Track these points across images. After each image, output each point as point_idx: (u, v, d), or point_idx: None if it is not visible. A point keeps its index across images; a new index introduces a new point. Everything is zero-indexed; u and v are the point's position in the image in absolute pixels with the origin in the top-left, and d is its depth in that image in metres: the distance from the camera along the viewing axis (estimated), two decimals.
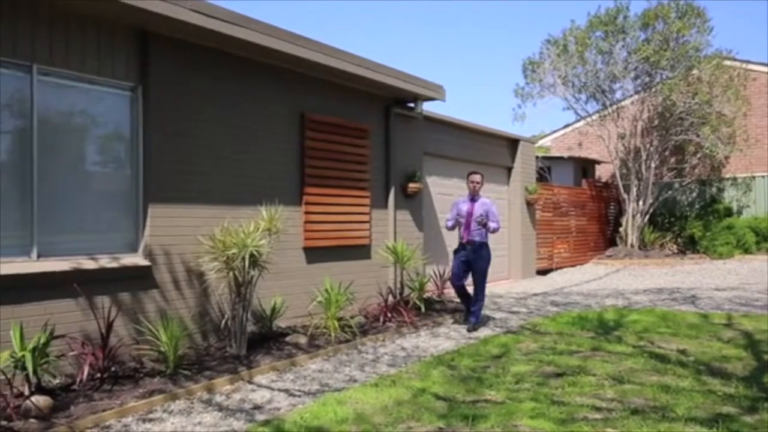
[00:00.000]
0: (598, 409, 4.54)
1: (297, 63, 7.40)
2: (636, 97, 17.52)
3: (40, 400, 4.38)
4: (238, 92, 6.94)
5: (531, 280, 13.88)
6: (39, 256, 5.19)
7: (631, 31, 16.75)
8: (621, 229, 18.20)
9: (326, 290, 7.18)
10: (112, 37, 5.75)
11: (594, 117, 18.22)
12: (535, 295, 11.35)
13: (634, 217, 17.72)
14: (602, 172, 20.61)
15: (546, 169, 17.60)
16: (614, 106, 17.63)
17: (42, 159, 5.25)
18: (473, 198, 7.84)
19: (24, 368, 4.47)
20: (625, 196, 17.82)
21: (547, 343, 6.92)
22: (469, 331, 7.67)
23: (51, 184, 5.35)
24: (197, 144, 6.44)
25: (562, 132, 22.25)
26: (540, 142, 21.49)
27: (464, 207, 7.80)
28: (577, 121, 20.01)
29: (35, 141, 5.19)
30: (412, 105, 9.64)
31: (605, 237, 18.69)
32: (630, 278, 13.93)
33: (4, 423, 4.16)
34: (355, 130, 8.59)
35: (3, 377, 4.48)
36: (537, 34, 46.93)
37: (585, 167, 19.62)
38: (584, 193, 17.76)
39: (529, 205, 14.12)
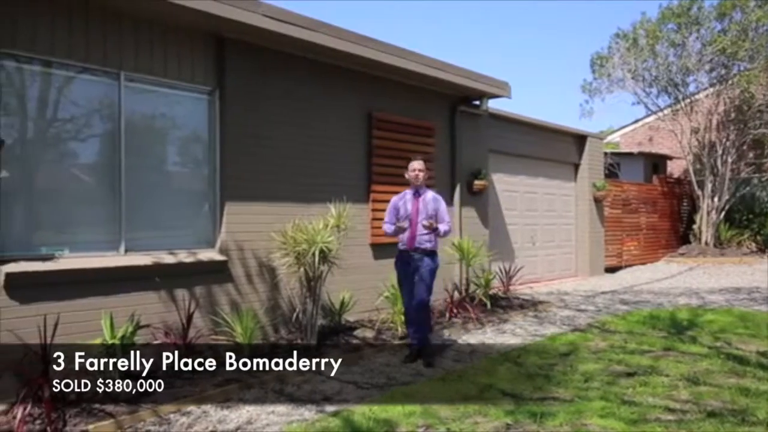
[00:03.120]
0: (671, 411, 4.44)
1: (365, 64, 7.55)
2: (711, 90, 16.84)
3: (128, 385, 4.66)
4: (308, 94, 7.15)
5: (599, 277, 13.59)
6: (126, 250, 5.54)
7: (705, 22, 16.11)
8: (695, 227, 17.57)
9: (393, 286, 7.28)
10: (191, 44, 6.05)
11: (666, 111, 17.64)
12: (604, 293, 11.12)
13: (708, 213, 17.06)
14: (674, 168, 19.90)
15: (615, 165, 17.16)
16: (687, 100, 17.00)
17: (128, 160, 5.60)
18: (417, 192, 6.15)
19: (114, 355, 4.79)
20: (699, 192, 17.18)
21: (616, 341, 6.80)
22: (425, 366, 5.85)
23: (136, 184, 5.70)
24: (269, 144, 6.68)
25: (631, 127, 21.60)
26: (608, 138, 20.96)
27: (407, 205, 6.07)
28: (648, 115, 19.42)
29: (122, 143, 5.54)
30: (477, 103, 9.64)
31: (677, 234, 18.06)
32: (704, 277, 13.41)
33: (97, 405, 4.47)
34: (421, 128, 8.68)
35: (96, 363, 4.81)
36: (605, 29, 45.65)
37: (656, 163, 18.99)
38: (655, 189, 17.23)
39: (597, 201, 13.84)
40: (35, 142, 5.12)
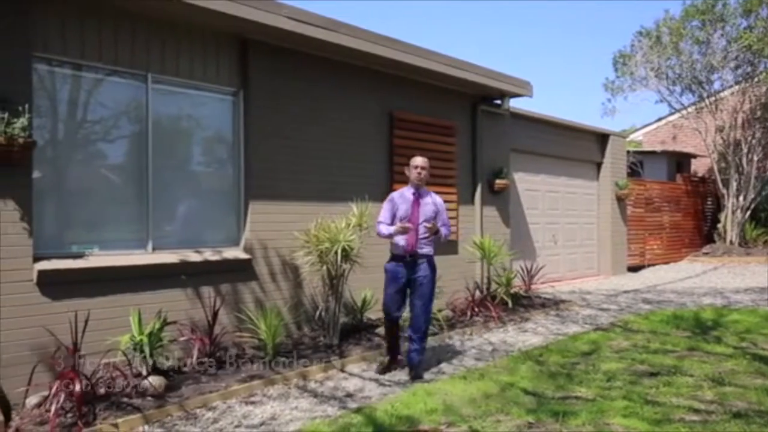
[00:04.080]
0: (696, 411, 4.41)
1: (386, 64, 7.60)
2: (736, 87, 16.60)
3: (156, 380, 4.79)
4: (330, 94, 7.21)
5: (621, 276, 13.50)
6: (154, 249, 5.66)
7: (731, 19, 15.87)
8: (719, 226, 17.34)
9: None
10: (215, 46, 6.15)
11: (689, 109, 17.43)
12: (626, 292, 11.05)
13: (733, 212, 16.82)
14: (698, 167, 19.64)
15: (638, 163, 17.00)
16: (712, 98, 16.78)
17: (155, 160, 5.71)
18: (417, 192, 5.63)
19: (142, 351, 4.90)
20: (724, 191, 16.96)
21: (639, 341, 6.76)
22: (412, 379, 5.44)
23: (163, 183, 5.82)
24: (292, 144, 6.76)
25: (654, 126, 21.36)
26: (631, 137, 20.76)
27: (406, 206, 5.54)
28: (671, 114, 19.20)
29: (150, 144, 5.66)
30: (498, 102, 9.63)
31: (701, 233, 17.84)
32: (729, 276, 13.24)
33: (125, 399, 4.59)
34: (442, 127, 8.70)
35: (125, 358, 4.94)
36: (627, 27, 45.13)
37: (679, 161, 18.76)
38: (679, 188, 17.04)
39: (620, 200, 13.75)
40: (66, 143, 5.25)
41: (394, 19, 75.37)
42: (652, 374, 5.40)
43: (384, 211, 5.62)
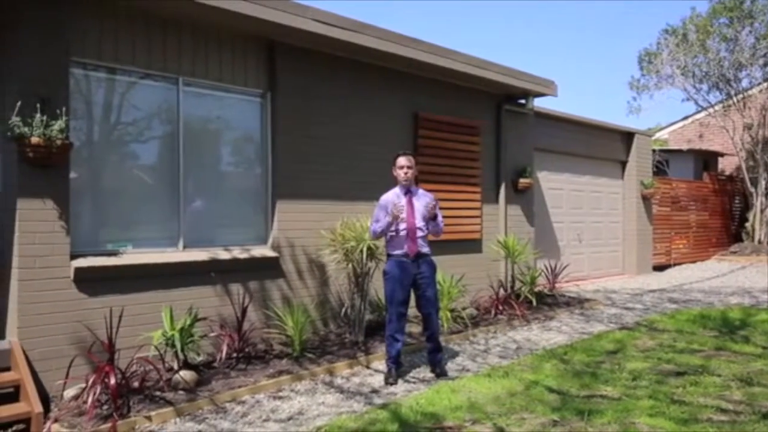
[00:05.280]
0: (723, 411, 4.39)
1: (410, 64, 7.66)
2: (765, 84, 16.36)
3: (187, 375, 4.92)
4: (355, 95, 7.30)
5: (647, 275, 13.38)
6: (185, 246, 5.79)
7: (759, 16, 15.66)
8: (747, 225, 17.09)
9: (439, 282, 7.35)
10: (243, 49, 6.27)
11: (717, 107, 17.21)
12: (652, 291, 10.96)
13: (762, 211, 16.57)
14: (726, 165, 19.34)
15: (664, 162, 16.81)
16: (740, 96, 16.54)
17: (186, 161, 5.85)
18: (408, 191, 5.53)
19: (173, 346, 5.03)
20: (753, 189, 16.71)
21: (665, 340, 6.73)
22: (437, 376, 5.51)
23: (193, 183, 5.95)
24: (318, 144, 6.86)
25: (680, 124, 21.08)
26: (657, 135, 20.51)
27: (400, 206, 5.39)
28: (698, 112, 18.96)
29: (181, 145, 5.79)
30: (522, 101, 9.62)
31: (729, 233, 17.59)
32: (758, 276, 13.03)
33: (158, 393, 4.72)
34: (466, 127, 8.73)
35: (157, 353, 5.07)
36: (653, 25, 44.46)
37: (706, 160, 18.50)
38: (705, 186, 16.82)
39: (645, 199, 13.64)
40: (101, 144, 5.41)
41: (416, 20, 75.31)
42: (679, 374, 5.38)
43: (377, 213, 5.50)
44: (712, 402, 4.60)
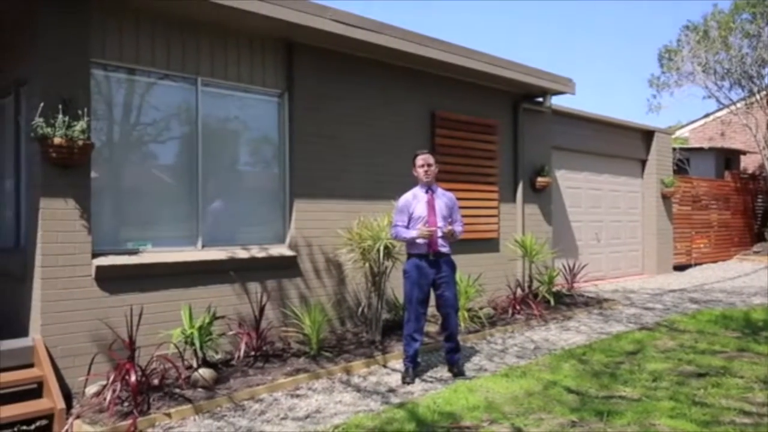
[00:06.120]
0: (746, 413, 4.31)
1: (427, 64, 7.64)
2: None
3: (206, 373, 4.96)
4: (372, 93, 7.30)
5: (667, 275, 13.23)
6: (203, 245, 5.84)
7: None
8: None
9: (457, 282, 7.34)
10: (262, 49, 6.30)
11: (739, 105, 16.96)
12: (672, 291, 10.84)
13: None
14: (748, 163, 19.06)
15: (684, 161, 16.62)
16: (763, 92, 16.28)
17: (205, 160, 5.90)
18: (429, 190, 5.47)
19: (192, 344, 5.08)
20: None
21: (686, 341, 6.65)
22: (455, 376, 5.49)
23: (212, 183, 6.00)
24: (335, 144, 6.88)
25: (701, 122, 20.83)
26: (677, 133, 20.28)
27: (421, 206, 5.39)
28: (719, 109, 18.72)
29: (200, 145, 5.84)
30: (540, 99, 9.57)
31: (751, 232, 17.33)
32: None
33: (177, 390, 4.77)
34: (483, 126, 8.70)
35: (177, 351, 5.13)
36: (672, 22, 43.84)
37: (728, 158, 18.25)
38: (727, 185, 16.59)
39: (666, 198, 13.48)
40: (121, 144, 5.48)
41: (436, 18, 75.17)
42: (700, 375, 5.31)
43: (399, 214, 5.45)
44: (734, 404, 4.52)
